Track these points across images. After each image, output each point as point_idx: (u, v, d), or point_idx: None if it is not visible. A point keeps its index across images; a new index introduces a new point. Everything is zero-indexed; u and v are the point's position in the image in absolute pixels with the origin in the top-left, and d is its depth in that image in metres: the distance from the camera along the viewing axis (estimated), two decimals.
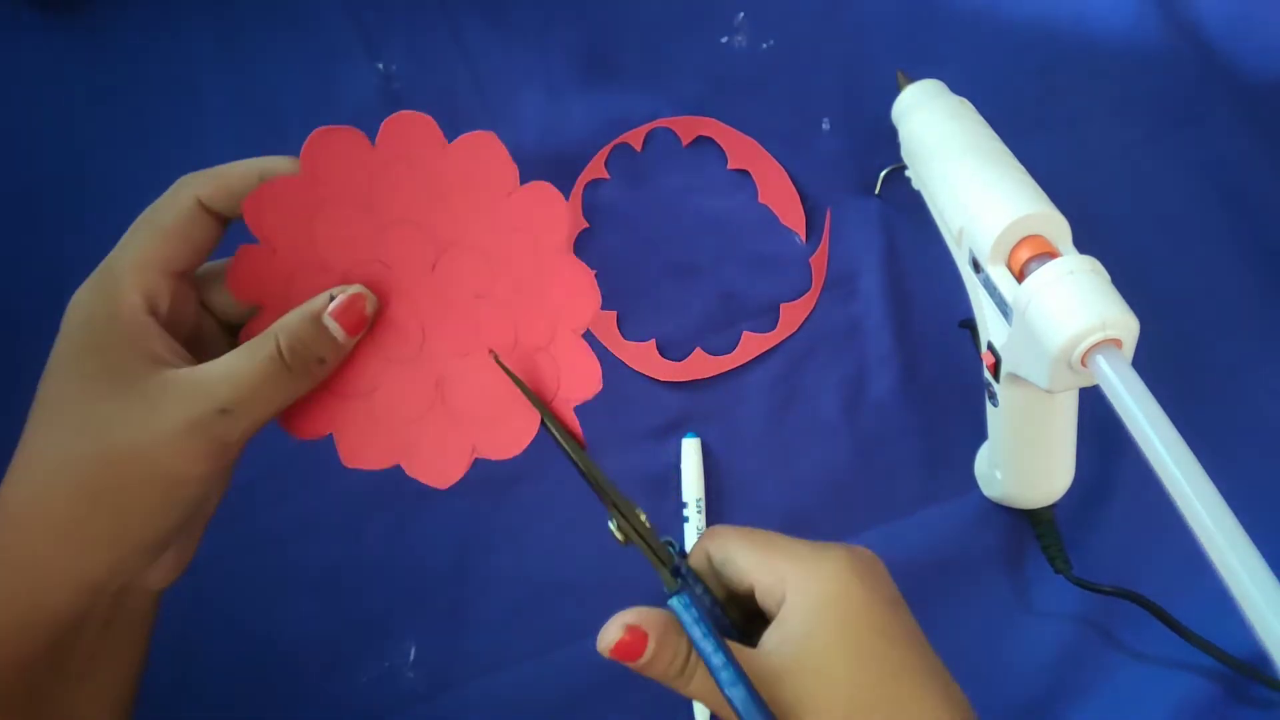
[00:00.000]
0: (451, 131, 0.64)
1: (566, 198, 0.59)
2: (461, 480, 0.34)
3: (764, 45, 0.62)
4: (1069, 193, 0.43)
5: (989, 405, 0.48)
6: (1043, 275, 0.38)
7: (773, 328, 0.57)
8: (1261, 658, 0.40)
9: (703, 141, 0.61)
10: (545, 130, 0.60)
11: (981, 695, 0.50)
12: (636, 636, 0.31)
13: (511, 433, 0.33)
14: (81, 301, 0.30)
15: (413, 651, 0.51)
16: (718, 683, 0.30)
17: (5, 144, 0.59)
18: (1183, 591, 0.49)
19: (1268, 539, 0.31)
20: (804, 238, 0.59)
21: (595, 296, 0.34)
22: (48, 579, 0.29)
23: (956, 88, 0.51)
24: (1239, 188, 0.59)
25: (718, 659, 0.31)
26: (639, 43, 0.62)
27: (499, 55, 0.62)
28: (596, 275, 0.34)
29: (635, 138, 0.60)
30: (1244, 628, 0.29)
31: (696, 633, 0.31)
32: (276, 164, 0.32)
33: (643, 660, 0.31)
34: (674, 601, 0.32)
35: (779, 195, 0.59)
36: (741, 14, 0.62)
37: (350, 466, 0.33)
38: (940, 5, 0.63)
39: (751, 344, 0.56)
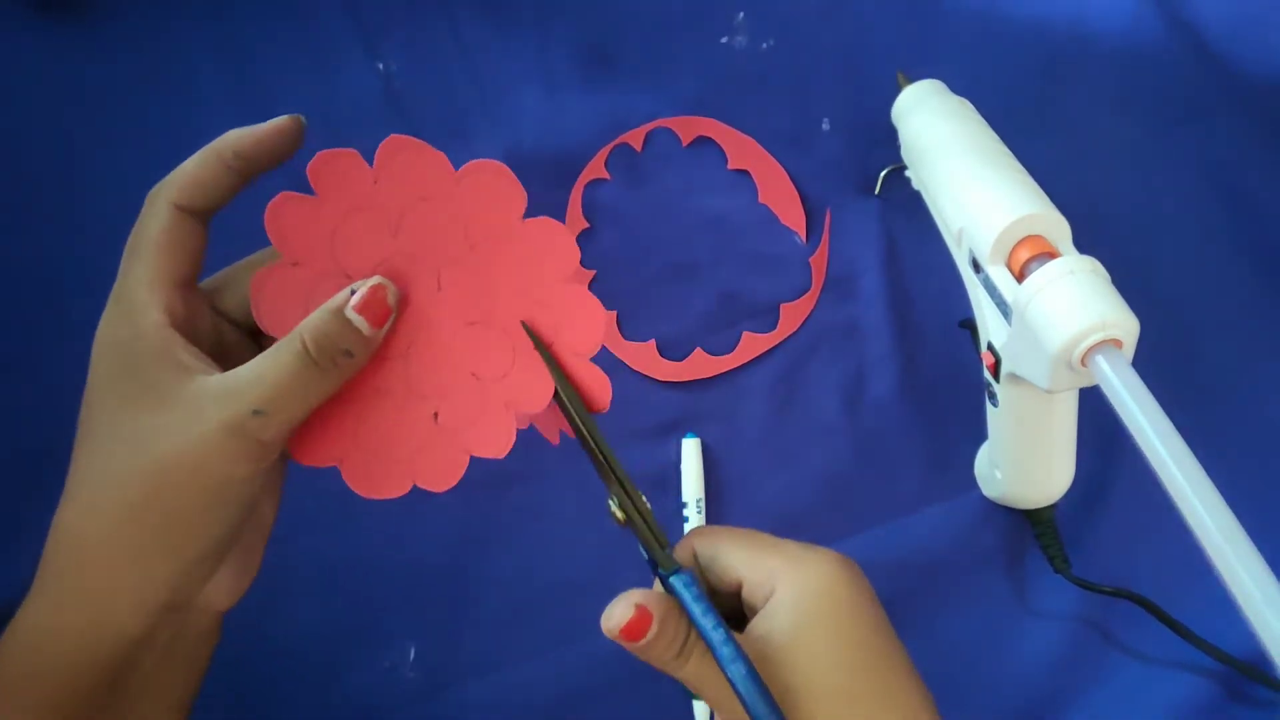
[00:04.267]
0: (452, 132, 0.64)
1: (567, 198, 0.59)
2: (461, 480, 0.34)
3: (764, 45, 0.62)
4: (1069, 193, 0.43)
5: (989, 405, 0.48)
6: (1043, 275, 0.38)
7: (773, 328, 0.57)
8: (1261, 657, 0.40)
9: (703, 141, 0.61)
10: (545, 130, 0.60)
11: (981, 694, 0.50)
12: (643, 615, 0.31)
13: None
14: (105, 331, 0.31)
15: (412, 651, 0.51)
16: (718, 659, 0.30)
17: (2, 143, 0.59)
18: (1182, 591, 0.49)
19: (1267, 539, 0.31)
20: (804, 238, 0.59)
21: (601, 323, 0.33)
22: (111, 600, 0.30)
23: (956, 88, 0.51)
24: (1239, 187, 0.59)
25: (718, 635, 0.30)
26: (639, 42, 0.62)
27: (499, 55, 0.62)
28: (596, 276, 0.34)
29: (635, 138, 0.60)
30: (1243, 627, 0.29)
31: (696, 609, 0.31)
32: (230, 141, 0.32)
33: (645, 640, 0.31)
34: (675, 580, 0.32)
35: (779, 195, 0.59)
36: (741, 14, 0.62)
37: (367, 497, 0.33)
38: (940, 6, 0.63)
39: (751, 344, 0.56)
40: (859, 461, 0.55)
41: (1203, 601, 0.48)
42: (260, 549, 0.35)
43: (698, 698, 0.40)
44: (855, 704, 0.32)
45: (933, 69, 0.52)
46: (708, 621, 0.31)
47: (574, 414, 0.33)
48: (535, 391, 0.33)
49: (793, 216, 0.59)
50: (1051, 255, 0.39)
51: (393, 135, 0.32)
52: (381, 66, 0.61)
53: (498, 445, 0.33)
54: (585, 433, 0.33)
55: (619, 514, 0.33)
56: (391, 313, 0.32)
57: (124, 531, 0.29)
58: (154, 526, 0.29)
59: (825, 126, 0.61)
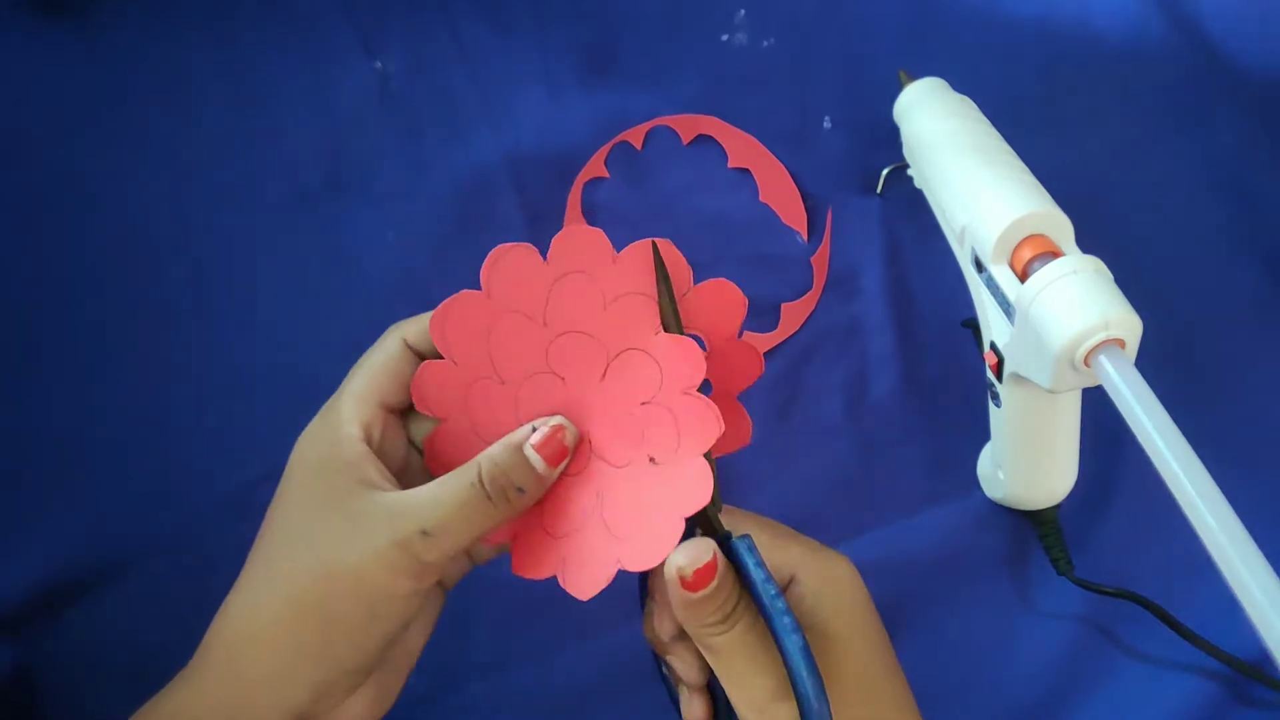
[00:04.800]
0: (450, 132, 0.64)
1: (565, 197, 0.59)
2: None
3: (765, 43, 0.62)
4: (1071, 191, 0.42)
5: (992, 406, 0.48)
6: (1045, 275, 0.38)
7: (774, 328, 0.57)
8: (1265, 659, 0.40)
9: (703, 140, 0.60)
10: (545, 129, 0.60)
11: (984, 696, 0.50)
12: (715, 562, 0.31)
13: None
14: (307, 437, 0.33)
15: None
16: (775, 629, 0.30)
17: (2, 147, 0.59)
18: (1186, 592, 0.49)
19: (1271, 540, 0.31)
20: (805, 237, 0.59)
21: (759, 368, 0.35)
22: (253, 695, 0.30)
23: (958, 86, 0.51)
24: (1242, 186, 0.59)
25: (779, 604, 0.30)
26: (639, 41, 0.62)
27: (497, 54, 0.62)
28: None
29: (635, 136, 0.60)
30: (1247, 629, 0.29)
31: (758, 576, 0.30)
32: None
33: (706, 591, 0.30)
34: (738, 542, 0.31)
35: (780, 194, 0.59)
36: (742, 11, 0.62)
37: (518, 574, 0.34)
38: (942, 3, 0.63)
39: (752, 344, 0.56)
40: (861, 462, 0.54)
41: (1207, 603, 0.48)
42: (402, 677, 0.35)
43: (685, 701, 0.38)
44: (879, 699, 0.32)
45: (935, 66, 0.52)
46: (769, 589, 0.30)
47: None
48: (707, 425, 0.32)
49: (794, 215, 0.59)
50: (1054, 254, 0.39)
51: (494, 250, 0.33)
52: (379, 65, 0.61)
53: (700, 496, 0.31)
54: None
55: None
56: (568, 453, 0.33)
57: (281, 627, 0.30)
58: (310, 628, 0.30)
59: (826, 125, 0.60)
